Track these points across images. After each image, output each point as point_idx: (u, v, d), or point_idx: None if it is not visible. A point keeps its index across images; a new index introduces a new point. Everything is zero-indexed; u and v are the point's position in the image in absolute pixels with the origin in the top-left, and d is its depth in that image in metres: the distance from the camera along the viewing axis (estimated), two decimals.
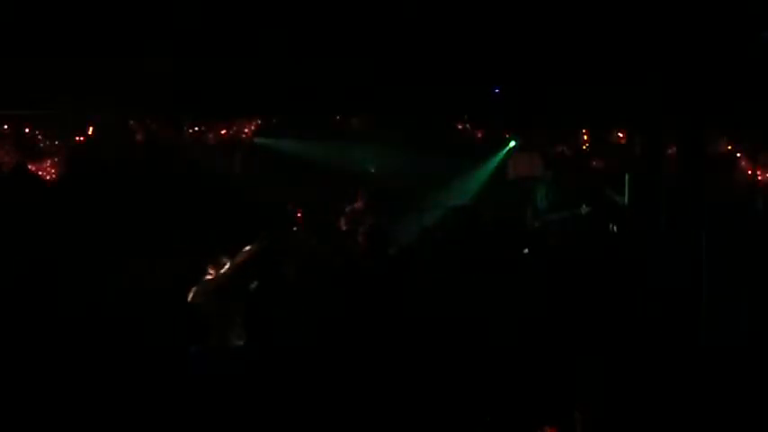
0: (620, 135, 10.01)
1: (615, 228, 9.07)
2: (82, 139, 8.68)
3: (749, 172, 8.97)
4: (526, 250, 8.74)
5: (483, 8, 7.03)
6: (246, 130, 10.24)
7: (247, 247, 6.16)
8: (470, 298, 6.80)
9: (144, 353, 6.79)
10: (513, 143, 10.78)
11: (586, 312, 6.86)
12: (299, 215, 10.41)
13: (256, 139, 10.35)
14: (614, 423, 5.46)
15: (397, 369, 5.94)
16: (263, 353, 6.33)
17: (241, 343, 6.18)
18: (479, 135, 10.69)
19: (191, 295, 6.15)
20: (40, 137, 8.44)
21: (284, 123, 10.26)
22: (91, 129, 8.68)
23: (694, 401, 5.65)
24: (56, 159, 8.45)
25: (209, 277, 6.21)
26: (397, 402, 5.77)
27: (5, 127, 8.29)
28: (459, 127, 10.66)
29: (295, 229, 10.19)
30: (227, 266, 6.13)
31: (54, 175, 8.43)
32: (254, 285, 6.57)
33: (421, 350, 6.09)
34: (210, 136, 9.85)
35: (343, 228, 9.70)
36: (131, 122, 9.02)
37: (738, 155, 9.21)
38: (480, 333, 6.51)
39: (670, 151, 8.37)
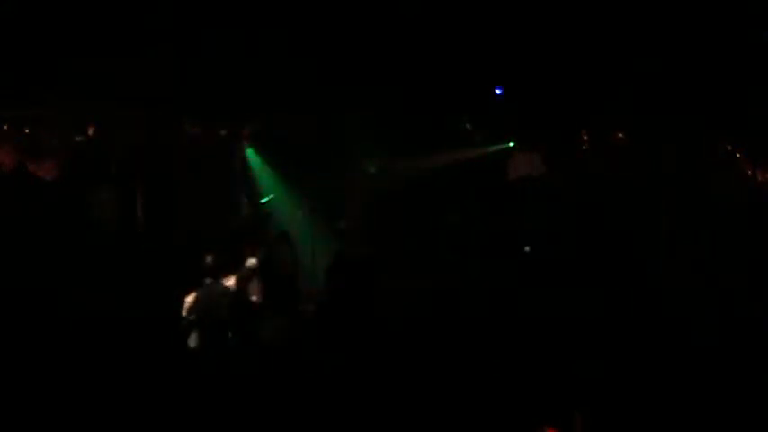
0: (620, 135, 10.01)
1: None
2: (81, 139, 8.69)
3: (749, 172, 8.97)
4: (527, 248, 8.74)
5: (483, 8, 7.05)
6: (245, 132, 10.24)
7: (250, 261, 6.28)
8: (470, 298, 6.81)
9: (144, 353, 6.79)
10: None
11: (586, 313, 6.86)
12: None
13: (250, 150, 10.33)
14: (614, 423, 5.45)
15: (396, 369, 5.94)
16: (260, 353, 6.35)
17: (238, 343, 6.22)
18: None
19: (191, 300, 6.22)
20: (40, 137, 8.43)
21: (281, 125, 10.25)
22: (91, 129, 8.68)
23: (694, 401, 5.65)
24: (55, 160, 8.44)
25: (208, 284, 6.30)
26: (396, 402, 5.77)
27: (5, 127, 8.29)
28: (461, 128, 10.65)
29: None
30: (232, 279, 6.25)
31: (54, 176, 8.42)
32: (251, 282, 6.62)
33: (421, 349, 6.09)
34: (210, 137, 9.86)
35: (343, 228, 9.74)
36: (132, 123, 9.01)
37: (738, 155, 9.20)
38: (482, 333, 6.51)
39: (669, 151, 8.38)
